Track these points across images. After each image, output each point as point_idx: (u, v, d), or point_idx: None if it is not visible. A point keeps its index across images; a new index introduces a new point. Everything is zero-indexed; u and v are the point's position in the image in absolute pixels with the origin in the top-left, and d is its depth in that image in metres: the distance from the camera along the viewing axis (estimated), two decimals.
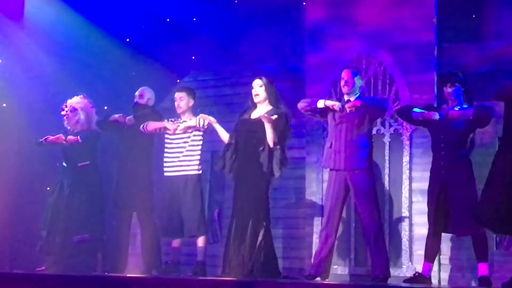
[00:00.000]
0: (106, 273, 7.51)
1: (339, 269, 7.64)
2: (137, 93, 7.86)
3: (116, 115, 7.80)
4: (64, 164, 7.85)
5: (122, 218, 7.72)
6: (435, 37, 7.58)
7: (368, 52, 7.85)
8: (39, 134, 7.91)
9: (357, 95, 6.83)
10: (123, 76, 8.70)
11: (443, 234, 6.63)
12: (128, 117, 7.75)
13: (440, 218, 6.46)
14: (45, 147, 7.90)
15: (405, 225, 7.48)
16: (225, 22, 8.69)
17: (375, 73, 7.81)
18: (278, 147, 6.73)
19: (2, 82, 8.55)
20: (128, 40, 8.90)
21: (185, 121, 7.46)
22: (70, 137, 7.76)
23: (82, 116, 7.85)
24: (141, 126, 7.54)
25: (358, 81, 6.86)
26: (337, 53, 7.95)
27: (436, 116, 6.51)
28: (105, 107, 8.40)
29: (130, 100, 7.95)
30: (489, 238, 6.55)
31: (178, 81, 9.12)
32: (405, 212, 7.50)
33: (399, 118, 7.34)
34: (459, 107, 6.53)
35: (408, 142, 7.59)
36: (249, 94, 7.00)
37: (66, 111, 7.85)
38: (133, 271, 7.61)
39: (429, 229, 6.55)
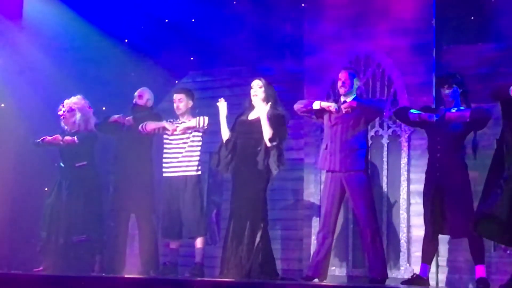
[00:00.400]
0: (104, 274, 7.50)
1: (337, 271, 7.65)
2: (136, 93, 7.86)
3: (116, 116, 7.80)
4: (62, 164, 7.85)
5: (121, 220, 7.71)
6: (434, 39, 7.59)
7: (366, 54, 7.85)
8: (38, 135, 7.90)
9: (354, 96, 6.84)
10: (121, 76, 8.69)
11: (440, 236, 6.63)
12: (127, 118, 7.75)
13: (436, 219, 6.46)
14: (42, 147, 7.89)
15: (403, 226, 7.48)
16: (223, 23, 8.68)
17: (373, 74, 7.82)
18: (275, 146, 6.72)
19: (0, 83, 8.54)
20: (126, 40, 8.90)
21: (184, 122, 7.46)
22: (67, 138, 7.75)
23: (79, 116, 7.85)
24: (140, 126, 7.54)
25: (356, 83, 6.86)
26: (336, 54, 7.95)
27: (433, 118, 6.51)
28: (103, 108, 8.40)
29: (128, 100, 7.94)
30: (486, 239, 6.54)
31: (176, 82, 9.12)
32: (403, 214, 7.50)
33: (397, 120, 7.34)
34: (456, 108, 6.52)
35: (406, 144, 7.59)
36: (247, 96, 7.00)
37: (63, 111, 7.86)
38: (131, 272, 7.61)
39: (425, 230, 6.56)
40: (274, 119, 6.73)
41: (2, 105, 8.60)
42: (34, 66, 8.52)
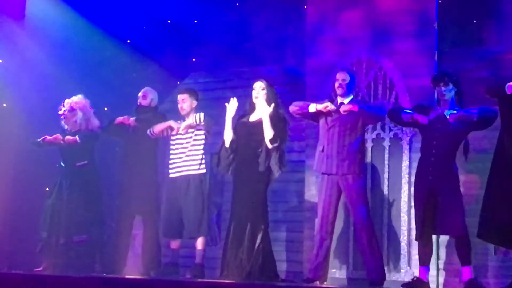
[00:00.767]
0: (104, 274, 7.50)
1: (337, 273, 7.64)
2: (140, 94, 7.84)
3: (120, 118, 7.79)
4: (62, 164, 7.85)
5: (125, 221, 7.70)
6: (436, 42, 7.59)
7: (368, 56, 7.85)
8: (39, 134, 7.90)
9: (351, 97, 6.83)
10: (123, 77, 8.69)
11: (440, 239, 6.61)
12: (131, 118, 7.74)
13: (428, 221, 6.41)
14: (42, 147, 7.89)
15: (403, 229, 7.47)
16: (226, 24, 8.69)
17: (375, 77, 7.81)
18: (276, 148, 6.72)
19: (2, 82, 8.55)
20: (128, 41, 8.91)
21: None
22: (68, 137, 7.75)
23: (80, 116, 7.84)
24: (148, 131, 7.53)
25: (353, 84, 6.86)
26: (337, 57, 7.94)
27: (426, 120, 6.47)
28: (105, 108, 8.40)
29: (130, 101, 7.94)
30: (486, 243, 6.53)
31: (178, 83, 9.12)
32: (404, 217, 7.49)
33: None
34: (453, 111, 6.46)
35: (407, 147, 7.58)
36: (249, 97, 7.00)
37: (64, 111, 7.85)
38: (131, 272, 7.61)
39: (420, 233, 6.45)
40: (275, 121, 6.73)
41: (4, 104, 8.60)
42: (36, 66, 8.53)
